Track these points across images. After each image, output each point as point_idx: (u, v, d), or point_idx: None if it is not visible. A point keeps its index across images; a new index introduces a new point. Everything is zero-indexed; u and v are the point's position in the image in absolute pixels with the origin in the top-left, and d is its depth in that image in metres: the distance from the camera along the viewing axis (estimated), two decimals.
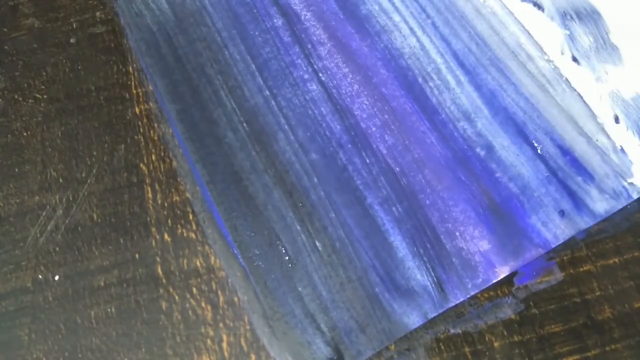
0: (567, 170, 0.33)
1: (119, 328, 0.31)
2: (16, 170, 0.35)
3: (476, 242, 0.32)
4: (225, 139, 0.35)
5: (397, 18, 0.39)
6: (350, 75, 0.37)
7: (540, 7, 0.38)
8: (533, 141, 0.34)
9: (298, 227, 0.33)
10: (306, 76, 0.37)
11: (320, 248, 0.32)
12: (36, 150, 0.36)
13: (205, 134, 0.36)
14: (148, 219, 0.34)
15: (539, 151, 0.34)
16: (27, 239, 0.33)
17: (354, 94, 0.36)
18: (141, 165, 0.35)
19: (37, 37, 0.40)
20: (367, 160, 0.34)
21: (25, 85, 0.38)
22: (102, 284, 0.32)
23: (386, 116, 0.35)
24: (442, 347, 0.30)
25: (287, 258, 0.32)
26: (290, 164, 0.34)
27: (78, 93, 0.38)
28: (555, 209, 0.32)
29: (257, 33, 0.39)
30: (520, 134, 0.34)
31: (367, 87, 0.36)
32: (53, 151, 0.36)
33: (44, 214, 0.34)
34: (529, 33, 0.37)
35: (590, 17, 0.37)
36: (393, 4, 0.39)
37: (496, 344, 0.30)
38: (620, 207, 0.32)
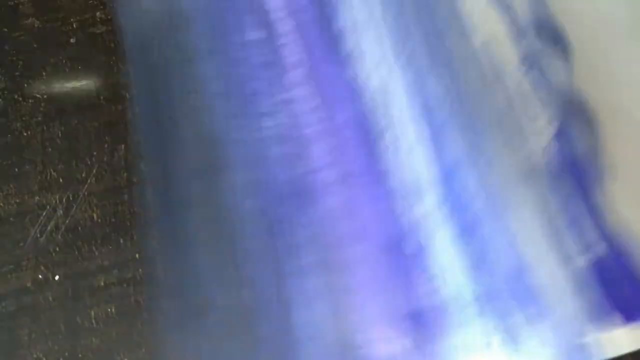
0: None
1: (119, 328, 0.31)
2: (16, 170, 0.35)
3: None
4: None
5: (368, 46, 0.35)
6: (314, 112, 0.33)
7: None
8: None
9: None
10: (267, 110, 0.34)
11: None
12: (36, 150, 0.36)
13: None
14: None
15: None
16: (27, 239, 0.33)
17: (312, 137, 0.33)
18: (141, 165, 0.35)
19: (37, 37, 0.40)
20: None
21: (25, 85, 0.38)
22: (102, 284, 0.32)
23: (338, 169, 0.32)
24: None
25: None
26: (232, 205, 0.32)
27: (78, 93, 0.38)
28: None
29: (232, 50, 0.36)
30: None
31: (328, 129, 0.33)
32: (53, 151, 0.36)
33: (44, 214, 0.34)
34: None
35: None
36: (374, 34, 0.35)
37: None
38: None
